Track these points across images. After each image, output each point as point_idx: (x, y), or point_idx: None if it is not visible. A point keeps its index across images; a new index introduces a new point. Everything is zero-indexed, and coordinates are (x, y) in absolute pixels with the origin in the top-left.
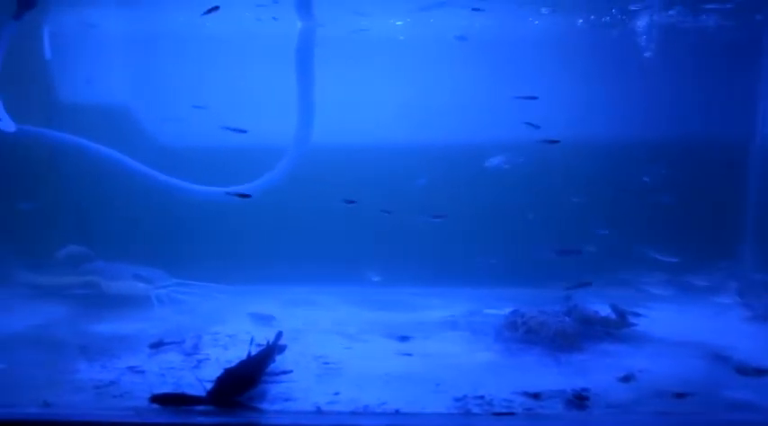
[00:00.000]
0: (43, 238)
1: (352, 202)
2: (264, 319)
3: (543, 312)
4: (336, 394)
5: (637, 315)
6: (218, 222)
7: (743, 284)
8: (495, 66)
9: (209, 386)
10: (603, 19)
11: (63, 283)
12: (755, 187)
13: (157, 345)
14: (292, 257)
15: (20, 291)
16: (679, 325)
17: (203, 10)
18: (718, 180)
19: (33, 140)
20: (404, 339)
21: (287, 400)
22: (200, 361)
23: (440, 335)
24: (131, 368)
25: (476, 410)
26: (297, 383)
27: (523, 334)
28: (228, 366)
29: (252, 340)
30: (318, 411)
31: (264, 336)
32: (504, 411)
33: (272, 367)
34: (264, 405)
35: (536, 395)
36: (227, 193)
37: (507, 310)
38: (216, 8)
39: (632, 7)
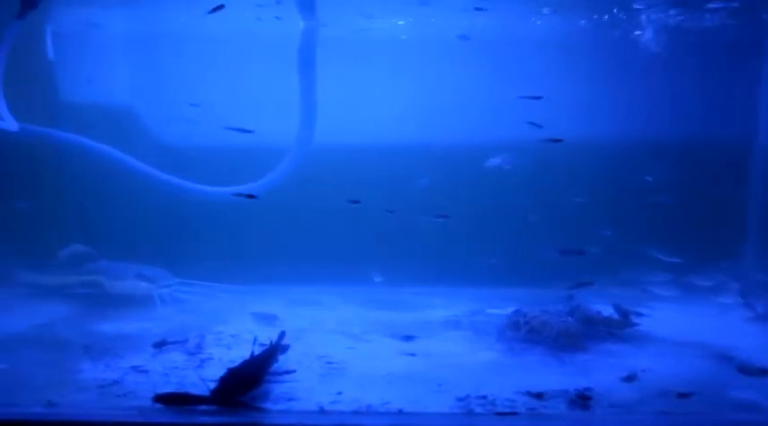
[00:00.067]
0: (46, 238)
1: (356, 202)
2: (267, 319)
3: (546, 312)
4: (339, 393)
5: (639, 314)
6: (221, 222)
7: (745, 284)
8: (498, 66)
9: (212, 385)
10: (605, 18)
11: (66, 282)
12: (757, 187)
13: (161, 345)
14: (295, 257)
15: (23, 291)
16: (682, 325)
17: (206, 10)
18: (721, 180)
19: (36, 140)
20: (408, 338)
21: (290, 400)
22: (203, 361)
23: (443, 335)
24: (135, 368)
25: (478, 410)
26: (300, 383)
27: (526, 334)
28: (232, 365)
29: (255, 339)
30: (321, 410)
31: (267, 336)
32: (506, 410)
33: (275, 366)
34: (268, 405)
35: (539, 395)
36: (234, 194)
37: (510, 310)
38: (221, 7)
39: (635, 6)
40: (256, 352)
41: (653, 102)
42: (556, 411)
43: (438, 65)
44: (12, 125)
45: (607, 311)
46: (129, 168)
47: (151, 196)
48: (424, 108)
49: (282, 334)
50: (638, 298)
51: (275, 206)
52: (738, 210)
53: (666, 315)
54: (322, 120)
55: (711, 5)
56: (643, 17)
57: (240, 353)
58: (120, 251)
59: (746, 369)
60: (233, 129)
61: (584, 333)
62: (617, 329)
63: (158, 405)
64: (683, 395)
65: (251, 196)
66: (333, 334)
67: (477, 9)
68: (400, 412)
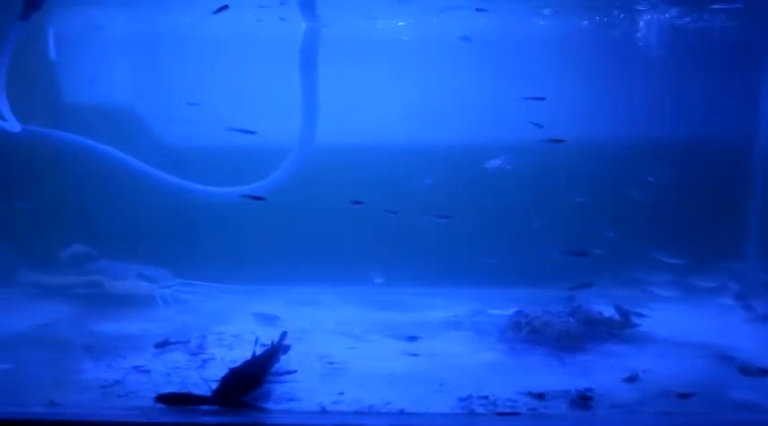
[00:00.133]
0: (48, 238)
1: (359, 203)
2: (269, 319)
3: (547, 312)
4: (341, 393)
5: (640, 315)
6: (222, 222)
7: (746, 285)
8: (499, 67)
9: (214, 385)
10: (606, 19)
11: (67, 283)
12: (759, 188)
13: (162, 345)
14: (297, 257)
15: (24, 291)
16: (682, 326)
17: (208, 11)
18: (722, 180)
19: (38, 140)
20: (412, 339)
21: (291, 400)
22: (204, 361)
23: (444, 335)
24: (136, 368)
25: (480, 410)
26: (301, 383)
27: (527, 334)
28: (233, 365)
29: (256, 340)
30: (323, 410)
31: (269, 336)
32: (508, 411)
33: (276, 367)
34: (269, 405)
35: (540, 396)
36: (241, 195)
37: (511, 310)
38: (226, 7)
39: (636, 7)
40: (258, 352)
41: (654, 102)
42: (557, 411)
43: (440, 65)
44: (14, 126)
45: (608, 312)
46: (130, 169)
47: (152, 196)
48: (425, 108)
49: (284, 335)
50: (638, 299)
51: (276, 206)
52: (739, 211)
53: (667, 316)
54: (324, 121)
55: (714, 6)
56: (644, 18)
57: (242, 353)
58: (122, 251)
59: (747, 370)
60: (236, 130)
61: (585, 334)
62: (618, 330)
63: (160, 405)
64: (683, 396)
65: (259, 198)
66: (334, 335)
67: (478, 10)
68: (402, 412)
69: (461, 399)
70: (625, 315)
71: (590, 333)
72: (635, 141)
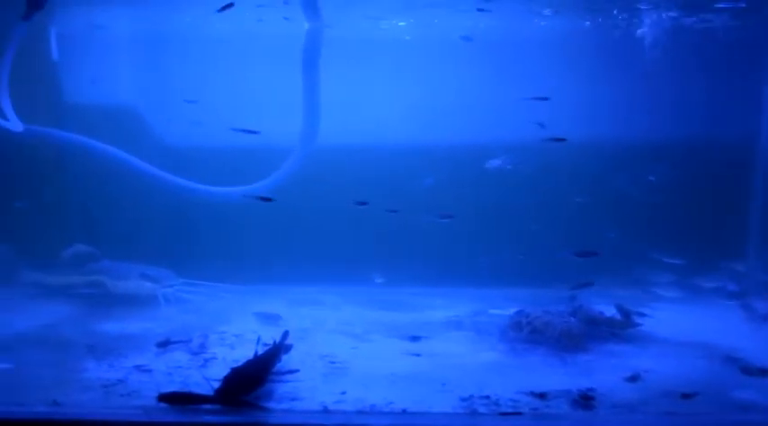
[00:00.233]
0: (49, 238)
1: (363, 204)
2: (271, 318)
3: (548, 312)
4: (343, 393)
5: (642, 315)
6: (224, 222)
7: (748, 285)
8: (500, 67)
9: (216, 385)
10: (607, 19)
11: (69, 283)
12: (761, 188)
13: (164, 344)
14: (298, 257)
15: (26, 291)
16: (684, 326)
17: (211, 10)
18: (724, 180)
19: (40, 140)
20: (415, 339)
21: (294, 399)
22: (207, 360)
23: (445, 335)
24: (139, 367)
25: (482, 410)
26: (303, 382)
27: (528, 334)
28: (235, 365)
29: (258, 339)
30: (325, 410)
31: (271, 335)
32: (510, 410)
33: (278, 366)
34: (271, 404)
35: (542, 395)
36: (250, 196)
37: (512, 310)
38: (231, 5)
39: (637, 6)
40: (260, 352)
41: (656, 102)
42: (559, 411)
43: (441, 65)
44: (17, 126)
45: (610, 311)
46: (132, 168)
47: (154, 196)
48: (426, 108)
49: (286, 334)
50: (640, 299)
51: (278, 206)
52: (742, 211)
53: (669, 316)
54: (325, 121)
55: (718, 5)
56: (646, 17)
57: (244, 353)
58: (124, 251)
59: (749, 370)
60: (238, 130)
61: (586, 334)
62: (619, 329)
63: (162, 405)
64: (686, 396)
65: (267, 199)
66: (335, 334)
67: (479, 10)
68: (404, 411)
69: (463, 399)
70: (627, 314)
71: (591, 333)
72: (636, 141)
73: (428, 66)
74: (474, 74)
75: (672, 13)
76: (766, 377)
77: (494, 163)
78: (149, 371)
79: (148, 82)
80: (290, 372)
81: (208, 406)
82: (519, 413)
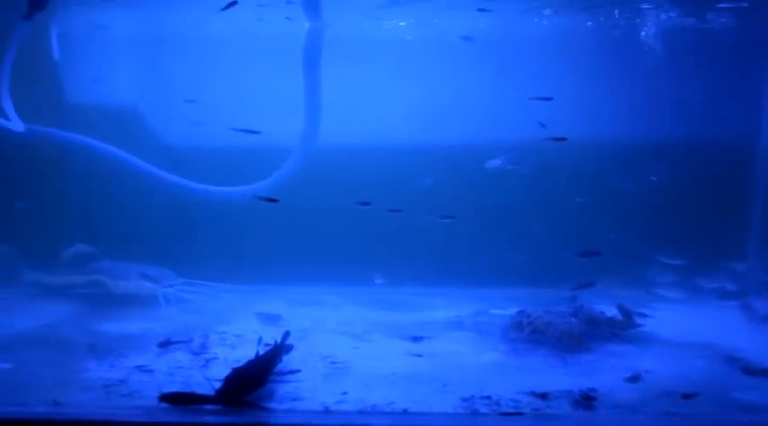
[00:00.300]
0: (50, 238)
1: (367, 204)
2: (272, 319)
3: (549, 312)
4: (344, 393)
5: (643, 315)
6: (224, 222)
7: (749, 285)
8: (501, 67)
9: (217, 385)
10: (608, 19)
11: (70, 283)
12: (762, 188)
13: (165, 344)
14: (299, 257)
15: (27, 291)
16: (685, 326)
17: (212, 9)
18: (725, 181)
19: (41, 140)
20: (416, 339)
21: (295, 399)
22: (208, 361)
23: (446, 335)
24: (139, 367)
25: (483, 410)
26: (304, 382)
27: (529, 334)
28: (236, 365)
29: (259, 339)
30: (326, 410)
31: (272, 336)
32: (511, 411)
33: (279, 366)
34: (273, 405)
35: (543, 396)
36: (254, 197)
37: (513, 310)
38: (234, 3)
39: (638, 6)
40: (261, 352)
41: (656, 102)
42: (560, 411)
43: (441, 65)
44: (18, 125)
45: (611, 312)
46: (133, 168)
47: (155, 196)
48: (427, 108)
49: (287, 334)
50: (641, 299)
51: (278, 206)
52: (743, 211)
53: (670, 316)
54: (326, 121)
55: (720, 5)
56: (646, 17)
57: (245, 353)
58: (124, 251)
59: (750, 370)
60: (240, 130)
61: (587, 334)
62: (620, 330)
63: (164, 405)
64: (687, 396)
65: (273, 200)
66: (336, 334)
67: (480, 10)
68: (405, 411)
69: (464, 399)
70: (628, 315)
71: (592, 333)
72: (637, 141)
73: (429, 66)
74: (474, 74)
75: (672, 13)
76: (767, 377)
77: (494, 163)
78: (150, 371)
79: (149, 82)
80: (292, 372)
81: (209, 406)
82: (520, 414)
